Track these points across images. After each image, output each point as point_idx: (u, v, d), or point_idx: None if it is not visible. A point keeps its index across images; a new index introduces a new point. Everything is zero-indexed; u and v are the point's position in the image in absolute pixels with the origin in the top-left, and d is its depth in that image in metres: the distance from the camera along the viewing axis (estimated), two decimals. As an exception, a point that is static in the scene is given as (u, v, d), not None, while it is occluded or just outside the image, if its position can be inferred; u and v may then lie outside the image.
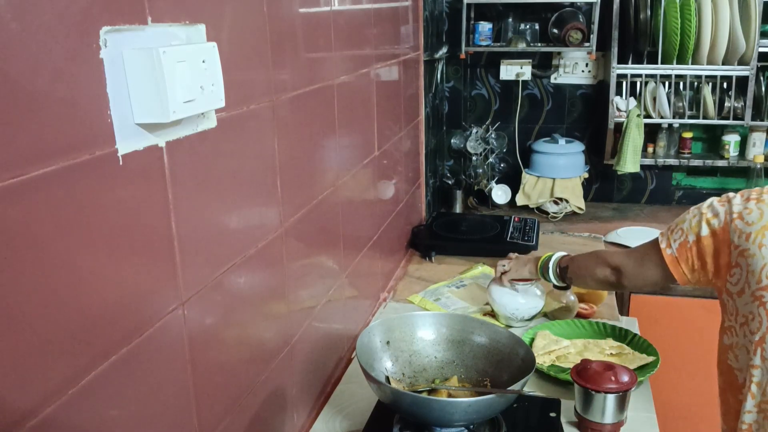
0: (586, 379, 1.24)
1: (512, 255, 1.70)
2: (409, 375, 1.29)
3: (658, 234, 1.29)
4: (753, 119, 2.43)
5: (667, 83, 2.47)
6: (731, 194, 1.20)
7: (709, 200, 1.22)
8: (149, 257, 0.78)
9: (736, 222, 1.14)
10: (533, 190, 2.67)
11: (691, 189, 2.80)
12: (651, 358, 1.45)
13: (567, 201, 2.63)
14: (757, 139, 2.56)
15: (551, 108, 2.79)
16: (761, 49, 2.34)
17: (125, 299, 0.74)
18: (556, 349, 1.50)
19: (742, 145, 2.61)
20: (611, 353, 1.49)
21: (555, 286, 1.63)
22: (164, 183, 0.79)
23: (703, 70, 2.40)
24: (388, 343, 1.29)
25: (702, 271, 1.21)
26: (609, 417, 1.23)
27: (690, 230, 1.20)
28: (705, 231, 1.18)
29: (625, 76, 2.53)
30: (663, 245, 1.25)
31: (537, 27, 2.65)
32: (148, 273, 0.78)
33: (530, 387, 1.37)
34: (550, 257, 1.57)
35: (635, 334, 1.56)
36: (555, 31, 2.60)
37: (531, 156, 2.73)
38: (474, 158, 2.73)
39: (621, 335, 1.57)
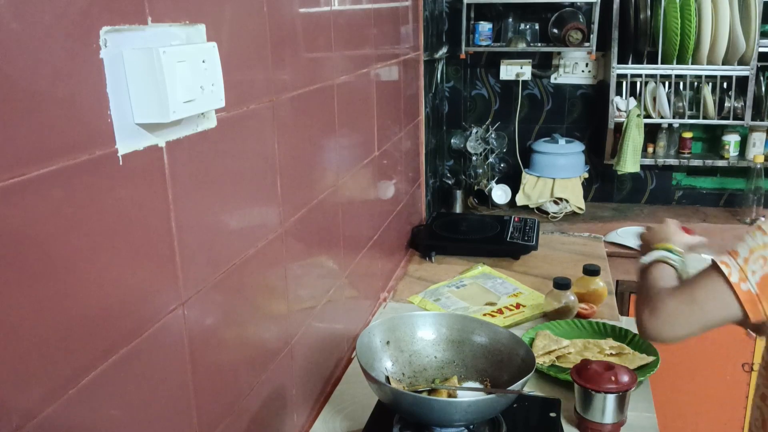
0: (586, 379, 1.24)
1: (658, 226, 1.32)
2: (409, 375, 1.29)
3: (712, 260, 1.03)
4: (753, 119, 2.44)
5: (667, 83, 2.47)
6: None
7: None
8: (149, 257, 0.78)
9: None
10: (533, 190, 2.68)
11: (691, 189, 2.80)
12: (651, 358, 1.45)
13: (567, 201, 2.63)
14: (757, 139, 2.57)
15: (551, 108, 2.79)
16: (761, 49, 2.34)
17: (125, 299, 0.74)
18: (556, 349, 1.50)
19: (742, 145, 2.61)
20: (611, 353, 1.49)
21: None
22: (164, 183, 0.79)
23: (703, 70, 2.40)
24: (388, 343, 1.29)
25: None
26: (609, 417, 1.23)
27: None
28: None
29: (625, 76, 2.53)
30: (734, 279, 0.98)
31: (537, 27, 2.65)
32: (148, 273, 0.78)
33: (530, 387, 1.37)
34: (661, 250, 1.20)
35: (635, 334, 1.56)
36: (555, 31, 2.60)
37: (531, 156, 2.73)
38: (474, 158, 2.73)
39: (621, 335, 1.57)
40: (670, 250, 1.19)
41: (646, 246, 1.26)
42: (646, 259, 1.19)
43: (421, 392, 1.22)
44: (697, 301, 1.00)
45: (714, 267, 1.00)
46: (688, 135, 2.62)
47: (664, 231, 1.26)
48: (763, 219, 0.99)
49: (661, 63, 2.41)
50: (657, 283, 1.11)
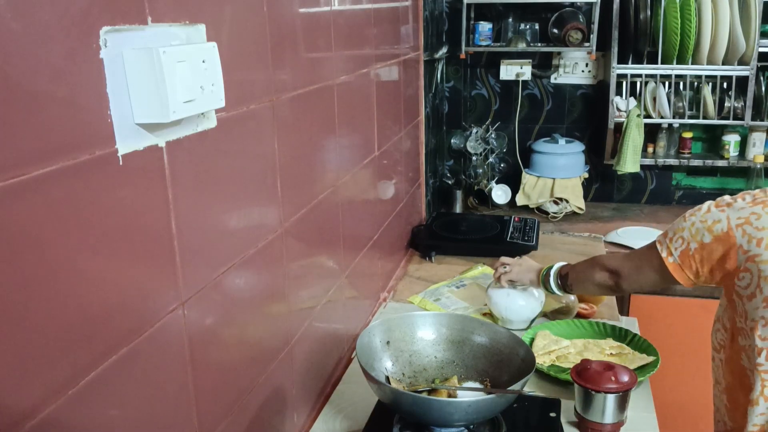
0: (586, 379, 1.24)
1: (507, 260, 1.69)
2: (409, 375, 1.29)
3: (655, 238, 1.29)
4: (753, 119, 2.43)
5: (667, 83, 2.47)
6: (728, 198, 1.20)
7: (705, 206, 1.21)
8: (149, 257, 0.78)
9: (744, 227, 1.13)
10: (533, 190, 2.67)
11: (691, 189, 2.80)
12: (651, 358, 1.45)
13: (567, 201, 2.63)
14: (757, 139, 2.56)
15: (551, 108, 2.79)
16: (761, 49, 2.34)
17: (125, 299, 0.74)
18: (556, 349, 1.50)
19: (742, 145, 2.61)
20: (611, 353, 1.49)
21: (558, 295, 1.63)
22: (164, 183, 0.80)
23: (703, 70, 2.40)
24: (388, 343, 1.29)
25: (709, 275, 1.21)
26: (609, 417, 1.23)
27: (691, 238, 1.20)
28: (707, 238, 1.17)
29: (625, 76, 2.53)
30: (663, 254, 1.25)
31: (537, 27, 2.65)
32: (148, 273, 0.78)
33: (530, 387, 1.37)
34: (550, 268, 1.57)
35: (635, 334, 1.56)
36: (555, 31, 2.60)
37: (531, 156, 2.73)
38: (474, 158, 2.73)
39: (621, 335, 1.57)
40: (553, 266, 1.58)
41: (517, 280, 1.64)
42: (553, 271, 1.56)
43: (421, 392, 1.22)
44: (642, 268, 1.33)
45: (653, 244, 1.29)
46: (688, 135, 2.62)
47: (528, 262, 1.67)
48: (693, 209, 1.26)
49: (661, 63, 2.41)
50: (600, 259, 1.46)
